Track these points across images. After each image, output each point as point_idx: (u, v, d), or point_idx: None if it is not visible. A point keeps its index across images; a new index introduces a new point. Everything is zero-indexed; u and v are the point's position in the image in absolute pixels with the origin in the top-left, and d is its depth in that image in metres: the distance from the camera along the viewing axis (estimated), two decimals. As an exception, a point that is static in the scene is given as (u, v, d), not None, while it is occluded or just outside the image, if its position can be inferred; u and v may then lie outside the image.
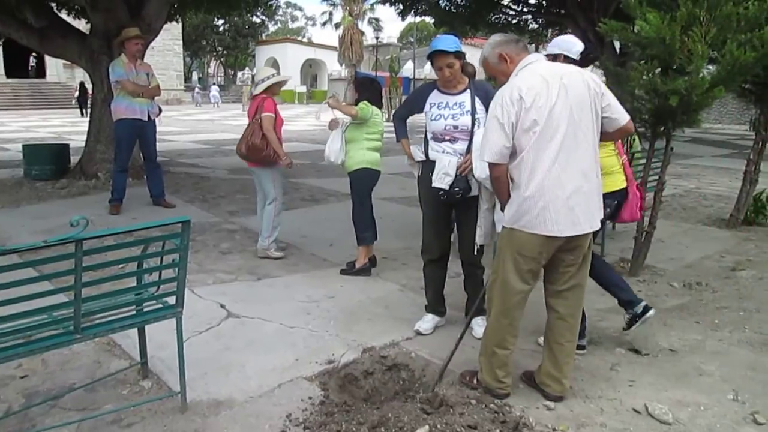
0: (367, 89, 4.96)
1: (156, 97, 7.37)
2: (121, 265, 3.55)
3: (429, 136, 3.77)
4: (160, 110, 7.46)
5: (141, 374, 3.21)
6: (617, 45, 12.45)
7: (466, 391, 3.06)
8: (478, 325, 3.70)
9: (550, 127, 2.74)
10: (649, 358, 3.56)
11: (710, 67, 5.05)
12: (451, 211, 3.83)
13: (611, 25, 4.68)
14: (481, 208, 3.62)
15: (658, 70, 4.54)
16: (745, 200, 6.93)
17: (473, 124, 3.63)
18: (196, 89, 43.90)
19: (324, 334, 3.80)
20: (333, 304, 4.28)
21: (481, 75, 3.89)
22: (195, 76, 57.45)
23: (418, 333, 3.80)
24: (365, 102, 4.84)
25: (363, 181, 4.91)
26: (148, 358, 3.22)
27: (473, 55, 3.72)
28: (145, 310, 2.88)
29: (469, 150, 3.61)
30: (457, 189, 3.59)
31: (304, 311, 4.13)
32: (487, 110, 3.66)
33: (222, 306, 4.21)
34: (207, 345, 3.61)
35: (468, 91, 3.67)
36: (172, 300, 2.84)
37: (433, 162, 3.67)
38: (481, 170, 3.41)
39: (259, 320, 3.99)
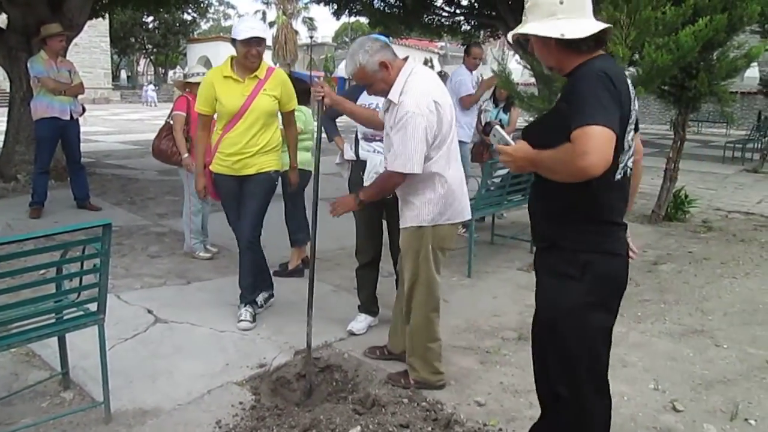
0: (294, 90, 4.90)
1: (81, 96, 7.08)
2: (41, 272, 3.39)
3: (359, 135, 3.77)
4: (84, 109, 7.17)
5: (62, 385, 3.08)
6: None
7: (398, 390, 3.07)
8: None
9: (451, 128, 2.97)
10: (576, 351, 3.66)
11: (631, 68, 5.25)
12: (383, 212, 3.83)
13: (538, 27, 4.79)
14: None
15: (583, 71, 4.67)
16: (666, 197, 7.24)
17: None
18: (144, 87, 42.34)
19: (255, 337, 3.75)
20: (265, 307, 4.22)
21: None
22: (124, 74, 55.62)
23: (351, 333, 3.79)
24: (296, 109, 4.79)
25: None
26: (70, 368, 3.10)
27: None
28: (65, 318, 2.76)
29: None
30: None
31: (235, 315, 4.04)
32: None
33: (149, 311, 4.09)
34: (133, 352, 3.50)
35: None
36: (93, 307, 2.74)
37: (364, 162, 3.67)
38: None
39: (188, 325, 3.90)
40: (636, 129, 2.21)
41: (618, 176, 2.05)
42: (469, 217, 3.17)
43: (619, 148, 1.97)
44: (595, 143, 1.81)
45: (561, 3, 2.02)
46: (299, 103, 4.83)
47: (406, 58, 3.04)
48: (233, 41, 3.71)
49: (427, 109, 2.82)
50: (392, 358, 3.43)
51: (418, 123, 2.79)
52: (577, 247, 2.09)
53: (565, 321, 2.11)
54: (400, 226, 3.11)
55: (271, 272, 4.92)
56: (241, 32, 3.67)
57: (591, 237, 2.07)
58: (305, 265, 5.02)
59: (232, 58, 3.81)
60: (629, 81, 2.09)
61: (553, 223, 2.15)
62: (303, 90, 4.97)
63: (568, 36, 1.99)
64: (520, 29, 2.11)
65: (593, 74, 1.94)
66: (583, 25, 2.01)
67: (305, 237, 4.98)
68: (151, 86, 42.27)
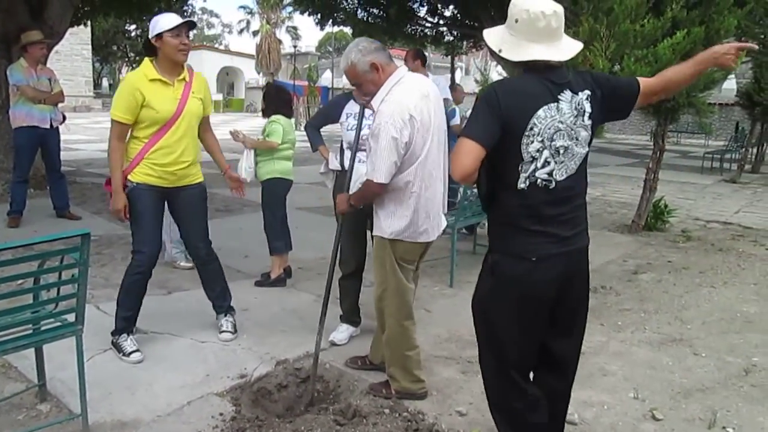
0: (273, 100, 4.89)
1: (61, 104, 7.02)
2: (18, 282, 3.34)
3: (345, 145, 3.77)
4: (64, 117, 7.11)
5: (38, 397, 3.03)
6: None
7: (380, 400, 3.07)
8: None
9: (431, 144, 2.92)
10: (556, 360, 3.68)
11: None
12: (368, 222, 3.83)
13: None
14: None
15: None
16: (646, 207, 7.32)
17: None
18: None
19: (236, 347, 3.72)
20: (246, 317, 4.20)
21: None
22: (105, 82, 55.18)
23: (333, 343, 3.78)
24: (274, 120, 4.79)
25: (273, 190, 4.86)
26: (47, 379, 3.05)
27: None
28: (42, 328, 2.72)
29: None
30: None
31: (216, 325, 4.02)
32: None
33: (129, 322, 4.04)
34: (112, 363, 3.46)
35: None
36: (71, 317, 2.71)
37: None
38: None
39: (168, 335, 3.86)
40: (635, 94, 2.34)
41: (522, 185, 2.16)
42: (432, 239, 3.10)
43: (516, 158, 2.14)
44: (456, 153, 2.08)
45: (516, 21, 2.15)
46: (280, 113, 4.84)
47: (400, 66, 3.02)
48: (158, 38, 3.37)
49: (401, 121, 2.78)
50: (374, 368, 3.43)
51: (389, 134, 2.78)
52: (491, 247, 2.34)
53: (474, 310, 2.43)
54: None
55: (254, 282, 4.93)
56: (168, 22, 3.37)
57: (499, 239, 2.29)
58: (287, 275, 5.01)
59: (150, 60, 3.49)
60: (574, 98, 2.17)
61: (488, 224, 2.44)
62: (284, 101, 4.98)
63: (503, 54, 2.18)
64: (489, 30, 2.27)
65: (486, 90, 2.18)
66: (525, 49, 2.14)
67: (284, 246, 4.97)
68: None
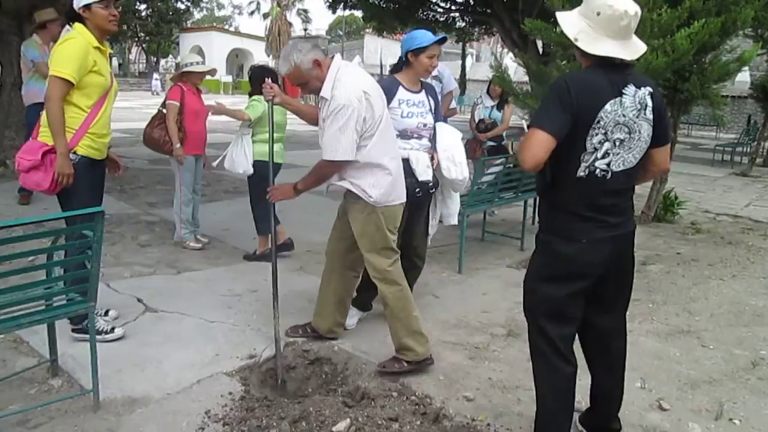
0: (258, 81, 4.81)
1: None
2: (30, 258, 3.37)
3: (395, 133, 3.70)
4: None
5: (50, 372, 3.07)
6: (540, 46, 12.83)
7: (388, 383, 3.09)
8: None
9: (384, 114, 3.08)
10: (564, 349, 3.68)
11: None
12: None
13: (535, 24, 4.82)
14: (437, 200, 3.92)
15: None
16: (656, 198, 7.29)
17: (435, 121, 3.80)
18: (155, 75, 42.33)
19: (246, 328, 3.75)
20: (255, 298, 4.22)
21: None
22: (115, 62, 55.22)
23: (344, 327, 3.79)
24: (255, 99, 4.80)
25: (257, 172, 4.89)
26: (59, 355, 3.08)
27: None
28: (54, 305, 2.75)
29: (434, 147, 3.78)
30: (431, 183, 3.69)
31: (225, 305, 4.05)
32: (435, 107, 3.75)
33: (139, 300, 4.08)
34: (123, 341, 3.49)
35: (423, 90, 3.74)
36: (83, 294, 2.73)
37: (405, 160, 3.60)
38: (455, 172, 3.77)
39: (178, 315, 3.89)
40: (661, 142, 2.41)
41: (581, 173, 2.29)
42: (405, 200, 3.30)
43: (579, 149, 2.25)
44: (528, 143, 2.19)
45: (598, 14, 2.22)
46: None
47: (332, 57, 3.13)
48: (85, 8, 3.21)
49: (357, 100, 2.94)
50: (316, 336, 3.56)
51: (349, 114, 2.92)
52: (543, 228, 2.48)
53: (525, 285, 2.54)
54: (349, 216, 3.23)
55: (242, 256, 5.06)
56: None
57: (552, 222, 2.41)
58: (288, 248, 5.14)
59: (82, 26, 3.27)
60: (637, 93, 2.26)
61: (540, 208, 2.60)
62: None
63: (579, 44, 2.26)
64: (563, 13, 2.37)
65: (557, 82, 2.26)
66: (601, 43, 2.22)
67: (267, 228, 4.99)
68: (155, 74, 42.40)
